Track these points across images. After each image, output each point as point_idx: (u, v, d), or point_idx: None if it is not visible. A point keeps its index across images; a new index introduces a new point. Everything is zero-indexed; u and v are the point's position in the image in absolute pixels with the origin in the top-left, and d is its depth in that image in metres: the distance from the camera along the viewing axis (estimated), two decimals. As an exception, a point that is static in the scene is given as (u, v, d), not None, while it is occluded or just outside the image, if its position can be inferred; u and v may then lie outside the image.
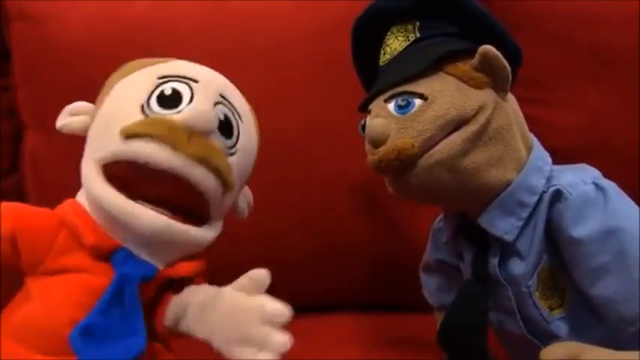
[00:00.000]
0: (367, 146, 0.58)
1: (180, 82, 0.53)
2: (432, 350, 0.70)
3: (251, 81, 0.80)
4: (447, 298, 0.65)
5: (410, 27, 0.59)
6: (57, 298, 0.50)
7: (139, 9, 0.84)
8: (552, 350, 0.50)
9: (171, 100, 0.51)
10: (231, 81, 0.80)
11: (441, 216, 0.67)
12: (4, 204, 0.51)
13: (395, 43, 0.60)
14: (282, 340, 0.46)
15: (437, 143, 0.54)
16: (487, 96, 0.56)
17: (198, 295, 0.51)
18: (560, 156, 0.61)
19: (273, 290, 0.77)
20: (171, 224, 0.50)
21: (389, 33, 0.61)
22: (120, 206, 0.50)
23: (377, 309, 0.84)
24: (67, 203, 0.54)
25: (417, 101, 0.55)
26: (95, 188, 0.51)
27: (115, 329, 0.48)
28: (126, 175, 0.51)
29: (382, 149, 0.55)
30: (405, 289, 0.81)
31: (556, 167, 0.59)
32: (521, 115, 0.60)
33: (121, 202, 0.50)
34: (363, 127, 0.59)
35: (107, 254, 0.51)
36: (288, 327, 0.47)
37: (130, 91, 0.53)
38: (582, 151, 0.62)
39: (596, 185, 0.54)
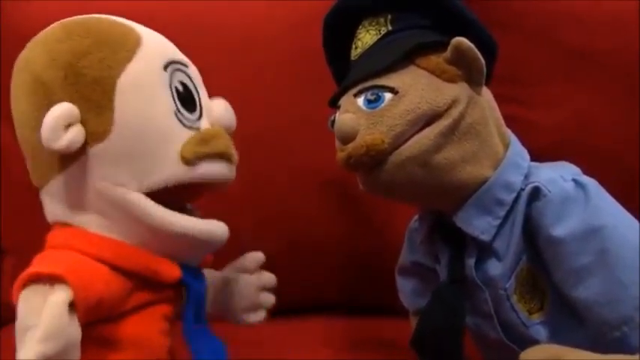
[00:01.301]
0: (337, 143, 0.56)
1: (180, 70, 0.52)
2: (406, 354, 0.68)
3: (224, 77, 0.80)
4: (423, 302, 0.63)
5: (382, 20, 0.57)
6: (150, 337, 0.49)
7: (112, 4, 0.81)
8: (532, 353, 0.48)
9: (189, 100, 0.51)
10: (207, 77, 0.80)
11: (417, 216, 0.65)
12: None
13: (366, 36, 0.58)
14: (272, 298, 0.64)
15: (408, 139, 0.53)
16: (460, 90, 0.54)
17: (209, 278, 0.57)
18: (541, 155, 0.60)
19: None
20: (227, 228, 0.53)
21: (360, 27, 0.59)
22: (203, 230, 0.50)
23: (350, 312, 0.82)
24: (97, 242, 0.48)
25: (387, 95, 0.53)
26: (171, 221, 0.48)
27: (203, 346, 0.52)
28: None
29: (351, 145, 0.53)
30: (379, 292, 0.79)
31: (534, 164, 0.57)
32: (497, 110, 0.58)
33: (202, 225, 0.50)
34: (333, 123, 0.57)
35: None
36: (258, 331, 0.66)
37: (149, 98, 0.48)
38: (563, 150, 0.61)
39: (576, 182, 0.53)
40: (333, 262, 0.82)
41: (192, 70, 0.54)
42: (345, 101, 0.56)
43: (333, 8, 0.61)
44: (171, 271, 0.49)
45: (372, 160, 0.53)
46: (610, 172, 0.56)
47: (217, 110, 0.53)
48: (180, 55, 0.53)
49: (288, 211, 0.81)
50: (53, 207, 0.50)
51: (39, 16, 0.78)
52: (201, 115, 0.52)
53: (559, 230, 0.51)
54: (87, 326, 0.44)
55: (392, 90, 0.53)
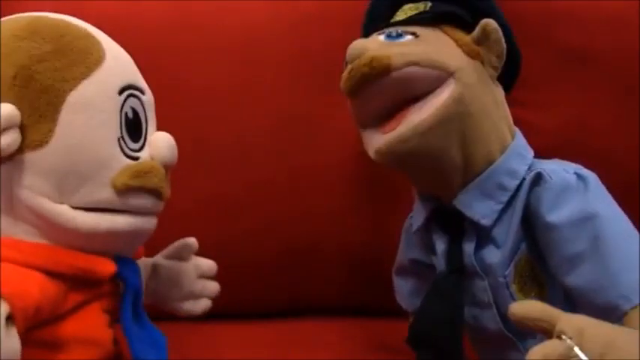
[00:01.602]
0: (345, 71, 0.55)
1: (134, 96, 0.51)
2: (407, 356, 0.67)
3: (220, 77, 0.81)
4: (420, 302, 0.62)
5: (421, 6, 0.59)
6: (94, 332, 0.49)
7: (106, 4, 0.82)
8: (524, 305, 0.44)
9: (135, 128, 0.50)
10: (201, 76, 0.80)
11: (411, 213, 0.64)
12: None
13: (402, 15, 0.60)
14: (216, 287, 0.64)
15: (424, 95, 0.53)
16: (475, 66, 0.55)
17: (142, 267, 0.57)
18: (541, 156, 0.59)
19: (240, 293, 0.76)
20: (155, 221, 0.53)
21: (399, 10, 0.60)
22: (137, 225, 0.50)
23: (351, 314, 0.81)
24: (27, 248, 0.46)
25: (408, 37, 0.55)
26: (87, 224, 0.47)
27: (142, 338, 0.51)
28: None
29: (356, 60, 0.53)
30: (379, 293, 0.78)
31: (537, 159, 0.57)
32: (507, 106, 0.59)
33: (123, 222, 0.49)
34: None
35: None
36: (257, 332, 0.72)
37: (96, 121, 0.47)
38: (563, 152, 0.60)
39: (578, 175, 0.53)
40: (333, 264, 0.81)
41: (148, 98, 0.53)
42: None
43: None
44: (106, 267, 0.49)
45: (373, 71, 0.52)
46: (610, 173, 0.55)
47: (160, 144, 0.51)
48: (139, 80, 0.53)
49: (289, 212, 0.80)
50: None
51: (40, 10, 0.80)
52: (143, 146, 0.51)
53: (555, 216, 0.51)
54: (26, 332, 0.43)
55: (413, 34, 0.55)
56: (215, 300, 0.66)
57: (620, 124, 0.78)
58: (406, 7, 0.60)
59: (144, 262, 0.60)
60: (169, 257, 0.64)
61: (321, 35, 0.76)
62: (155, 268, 0.62)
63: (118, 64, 0.51)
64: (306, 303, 0.82)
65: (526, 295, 0.55)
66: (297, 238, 0.80)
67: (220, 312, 0.76)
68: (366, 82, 0.53)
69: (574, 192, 0.52)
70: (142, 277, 0.55)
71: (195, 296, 0.63)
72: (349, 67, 0.53)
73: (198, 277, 0.64)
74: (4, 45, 0.47)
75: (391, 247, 0.71)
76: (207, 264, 0.64)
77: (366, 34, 0.63)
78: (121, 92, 0.49)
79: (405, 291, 0.68)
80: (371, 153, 0.56)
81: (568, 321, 0.42)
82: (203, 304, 0.64)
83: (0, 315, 0.39)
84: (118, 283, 0.51)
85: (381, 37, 0.56)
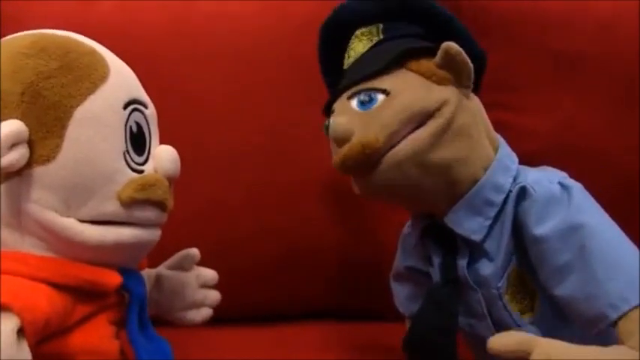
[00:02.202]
0: (332, 146, 0.57)
1: (138, 110, 0.52)
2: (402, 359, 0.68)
3: (216, 84, 0.81)
4: (417, 307, 0.63)
5: (374, 30, 0.59)
6: (100, 343, 0.50)
7: (103, 10, 0.82)
8: (501, 339, 0.48)
9: (139, 142, 0.51)
10: (197, 83, 0.81)
11: (409, 222, 0.65)
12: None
13: (359, 46, 0.59)
14: (217, 295, 0.65)
15: (402, 139, 0.54)
16: (450, 92, 0.55)
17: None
18: (531, 160, 0.60)
19: (237, 298, 0.77)
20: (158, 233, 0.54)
21: (353, 37, 0.60)
22: (142, 238, 0.51)
23: (347, 318, 0.82)
24: (33, 261, 0.47)
25: (380, 96, 0.54)
26: (94, 237, 0.48)
27: (148, 348, 0.52)
28: None
29: (346, 147, 0.54)
30: (373, 297, 0.80)
31: (522, 167, 0.58)
32: (485, 115, 0.59)
33: (128, 234, 0.50)
34: (327, 128, 0.58)
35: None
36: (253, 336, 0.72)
37: (102, 136, 0.48)
38: (553, 155, 0.62)
39: (562, 185, 0.54)
40: (331, 268, 0.82)
41: (151, 112, 0.54)
42: (338, 105, 0.57)
43: (327, 20, 0.63)
44: (112, 279, 0.50)
45: (368, 159, 0.53)
46: (599, 177, 0.57)
47: (164, 157, 0.53)
48: (142, 95, 0.54)
49: (284, 219, 0.81)
50: None
51: (39, 16, 0.80)
52: (147, 160, 0.52)
53: (542, 229, 0.52)
54: (35, 345, 0.44)
55: (384, 91, 0.54)
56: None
57: (613, 127, 0.79)
58: (358, 32, 0.60)
59: (147, 273, 0.62)
60: (172, 268, 0.65)
61: (313, 42, 0.75)
62: (158, 279, 0.63)
63: (122, 80, 0.52)
64: (304, 307, 0.83)
65: (518, 304, 0.56)
66: (296, 243, 0.81)
67: (219, 316, 0.76)
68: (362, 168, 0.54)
69: (558, 203, 0.52)
70: (146, 288, 0.56)
71: (197, 305, 0.64)
72: (342, 155, 0.54)
73: (199, 286, 0.65)
74: (12, 62, 0.47)
75: (388, 252, 0.71)
76: (209, 274, 0.65)
77: (325, 67, 0.64)
78: (125, 107, 0.50)
79: (402, 296, 0.69)
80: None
81: (540, 349, 0.46)
82: (204, 313, 0.65)
83: (11, 329, 0.40)
84: (123, 295, 0.52)
85: (354, 104, 0.55)
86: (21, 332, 0.42)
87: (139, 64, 0.56)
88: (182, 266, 0.65)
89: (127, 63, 0.55)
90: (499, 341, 0.47)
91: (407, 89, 0.54)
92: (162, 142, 0.55)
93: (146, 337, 0.53)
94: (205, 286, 0.65)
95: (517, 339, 0.47)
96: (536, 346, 0.46)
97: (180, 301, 0.63)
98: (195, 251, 0.65)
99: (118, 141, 0.49)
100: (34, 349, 0.43)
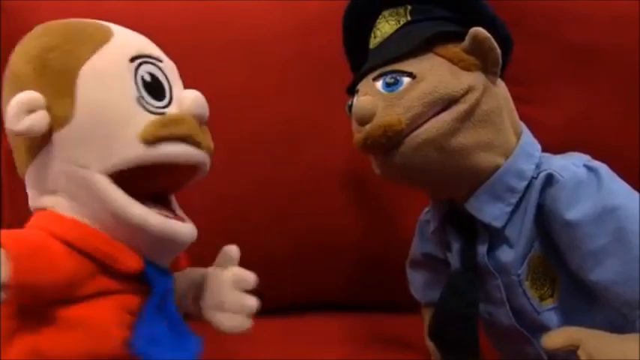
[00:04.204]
0: (354, 125, 0.57)
1: (149, 62, 0.52)
2: (416, 350, 0.68)
3: (231, 77, 0.81)
4: (434, 294, 0.63)
5: (401, 11, 0.59)
6: (101, 323, 0.48)
7: (116, 4, 0.82)
8: (554, 336, 0.50)
9: (156, 89, 0.51)
10: (212, 78, 0.80)
11: (427, 208, 0.66)
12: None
13: (386, 26, 0.59)
14: (253, 302, 0.56)
15: (425, 122, 0.53)
16: (477, 78, 0.55)
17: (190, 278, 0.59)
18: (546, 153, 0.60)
19: (249, 290, 0.76)
20: (195, 231, 0.53)
21: (380, 17, 0.60)
22: (166, 227, 0.50)
23: (360, 309, 0.82)
24: (61, 222, 0.48)
25: (406, 79, 0.54)
26: (131, 210, 0.48)
27: (165, 340, 0.50)
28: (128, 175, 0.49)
29: (368, 126, 0.54)
30: (389, 288, 0.79)
31: (545, 154, 0.58)
32: (511, 101, 0.59)
33: (164, 223, 0.49)
34: (350, 108, 0.58)
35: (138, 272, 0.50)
36: (267, 328, 0.60)
37: (110, 85, 0.49)
38: (568, 149, 0.61)
39: (588, 167, 0.54)
40: (342, 260, 0.82)
41: (166, 65, 0.54)
42: (363, 85, 0.57)
43: (354, 0, 0.62)
44: (131, 261, 0.49)
45: (389, 141, 0.53)
46: (616, 170, 0.56)
47: (187, 98, 0.52)
48: (153, 50, 0.54)
49: (297, 210, 0.80)
50: (31, 194, 0.52)
51: (39, 16, 0.79)
52: (170, 104, 0.52)
53: (573, 214, 0.52)
54: (46, 307, 0.45)
55: (410, 74, 0.54)
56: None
57: (627, 120, 0.79)
58: (386, 13, 0.60)
59: (190, 271, 0.59)
60: (215, 264, 0.59)
61: (327, 36, 0.75)
62: (202, 277, 0.59)
63: (127, 40, 0.53)
64: (314, 298, 0.83)
65: (539, 291, 0.56)
66: (306, 234, 0.81)
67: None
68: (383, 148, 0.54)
69: (587, 187, 0.52)
70: (173, 285, 0.54)
71: (229, 309, 0.56)
72: (364, 134, 0.54)
73: (233, 287, 0.56)
74: (24, 47, 0.51)
75: (398, 243, 0.72)
76: (245, 275, 0.57)
77: (349, 48, 0.64)
78: (132, 60, 0.51)
79: (418, 283, 0.69)
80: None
81: (593, 340, 0.49)
82: (237, 322, 0.56)
83: None
84: (147, 285, 0.50)
85: (379, 86, 0.55)
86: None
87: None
88: (218, 262, 0.58)
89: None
90: (549, 340, 0.51)
91: (433, 74, 0.54)
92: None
93: (174, 333, 0.51)
94: (242, 288, 0.56)
95: (565, 336, 0.50)
96: (587, 339, 0.48)
97: (212, 299, 0.56)
98: (234, 249, 0.58)
99: (127, 88, 0.49)
100: (43, 310, 0.45)
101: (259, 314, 0.79)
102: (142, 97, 0.50)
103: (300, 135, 0.81)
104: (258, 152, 0.80)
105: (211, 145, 0.53)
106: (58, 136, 0.49)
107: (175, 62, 0.79)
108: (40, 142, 0.49)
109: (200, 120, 0.52)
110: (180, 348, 0.51)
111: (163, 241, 0.50)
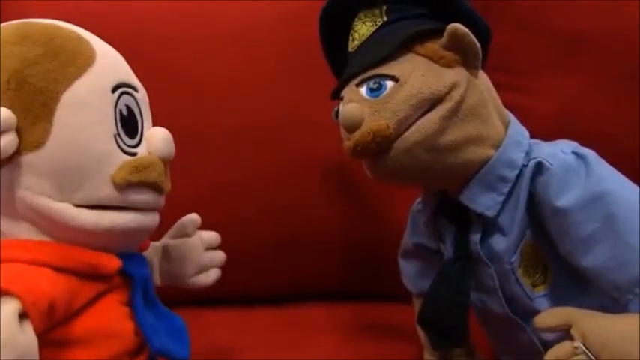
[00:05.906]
0: (342, 132, 0.57)
1: (127, 93, 0.51)
2: (407, 340, 0.69)
3: (218, 66, 0.80)
4: (426, 284, 0.63)
5: (377, 11, 0.58)
6: (114, 322, 0.49)
7: (106, 3, 0.81)
8: (546, 316, 0.50)
9: (131, 124, 0.51)
10: (203, 66, 0.80)
11: (419, 198, 0.66)
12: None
13: (363, 28, 0.59)
14: (222, 255, 0.66)
15: (412, 124, 0.53)
16: (458, 74, 0.55)
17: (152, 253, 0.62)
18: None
19: (241, 279, 0.76)
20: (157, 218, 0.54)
21: (356, 19, 0.60)
22: (128, 220, 0.50)
23: (351, 298, 0.82)
24: (37, 249, 0.46)
25: (389, 83, 0.54)
26: (89, 221, 0.47)
27: (159, 327, 0.52)
28: None
29: (357, 133, 0.54)
30: (379, 278, 0.80)
31: (534, 141, 0.58)
32: (494, 91, 0.59)
33: (125, 219, 0.50)
34: (337, 114, 0.58)
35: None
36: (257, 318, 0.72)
37: (91, 118, 0.47)
38: (556, 137, 0.61)
39: (576, 154, 0.54)
40: (333, 249, 0.82)
41: (141, 95, 0.53)
42: (348, 92, 0.57)
43: (328, 2, 0.62)
44: (111, 263, 0.49)
45: (379, 147, 0.53)
46: (606, 157, 0.56)
47: (157, 139, 0.52)
48: (131, 79, 0.53)
49: (288, 199, 0.80)
50: None
51: (39, 16, 0.78)
52: (140, 142, 0.51)
53: (563, 201, 0.52)
54: (46, 331, 0.43)
55: (393, 78, 0.54)
56: (214, 286, 0.66)
57: (616, 107, 0.79)
58: (362, 14, 0.59)
59: (153, 247, 0.62)
60: (176, 236, 0.65)
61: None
62: (165, 249, 0.63)
63: (109, 64, 0.51)
64: (303, 288, 0.83)
65: (531, 278, 0.57)
66: (296, 224, 0.81)
67: (219, 297, 0.76)
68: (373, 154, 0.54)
69: (576, 173, 0.53)
70: (148, 268, 0.55)
71: (206, 268, 0.64)
72: (353, 141, 0.54)
73: (205, 249, 0.65)
74: (4, 56, 0.46)
75: (389, 233, 0.72)
76: (212, 235, 0.66)
77: (328, 50, 0.64)
78: (114, 90, 0.49)
79: (410, 273, 0.70)
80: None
81: (586, 319, 0.49)
82: (213, 274, 0.65)
83: (12, 312, 0.39)
84: (127, 277, 0.52)
85: (363, 92, 0.55)
86: (25, 316, 0.41)
87: (143, 47, 0.55)
88: (186, 232, 0.65)
89: (131, 46, 0.54)
90: (542, 319, 0.51)
91: (416, 75, 0.54)
92: (163, 124, 0.54)
93: (157, 315, 0.52)
94: (210, 247, 0.65)
95: (558, 314, 0.50)
96: (580, 318, 0.48)
97: (190, 266, 0.63)
98: (195, 216, 0.65)
99: (108, 124, 0.48)
100: (46, 336, 0.43)
101: (249, 304, 0.80)
102: (119, 135, 0.49)
103: (291, 125, 0.81)
104: (248, 142, 0.80)
105: (169, 188, 0.53)
106: (24, 161, 0.46)
107: (168, 52, 0.80)
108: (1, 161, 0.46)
109: (166, 161, 0.52)
110: (171, 329, 0.52)
111: (135, 234, 0.51)
